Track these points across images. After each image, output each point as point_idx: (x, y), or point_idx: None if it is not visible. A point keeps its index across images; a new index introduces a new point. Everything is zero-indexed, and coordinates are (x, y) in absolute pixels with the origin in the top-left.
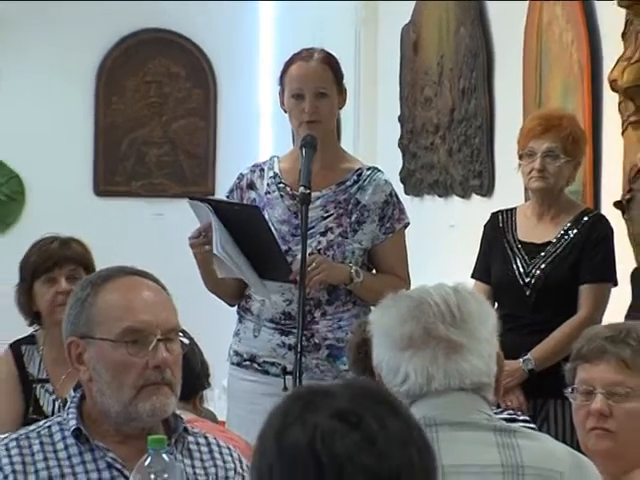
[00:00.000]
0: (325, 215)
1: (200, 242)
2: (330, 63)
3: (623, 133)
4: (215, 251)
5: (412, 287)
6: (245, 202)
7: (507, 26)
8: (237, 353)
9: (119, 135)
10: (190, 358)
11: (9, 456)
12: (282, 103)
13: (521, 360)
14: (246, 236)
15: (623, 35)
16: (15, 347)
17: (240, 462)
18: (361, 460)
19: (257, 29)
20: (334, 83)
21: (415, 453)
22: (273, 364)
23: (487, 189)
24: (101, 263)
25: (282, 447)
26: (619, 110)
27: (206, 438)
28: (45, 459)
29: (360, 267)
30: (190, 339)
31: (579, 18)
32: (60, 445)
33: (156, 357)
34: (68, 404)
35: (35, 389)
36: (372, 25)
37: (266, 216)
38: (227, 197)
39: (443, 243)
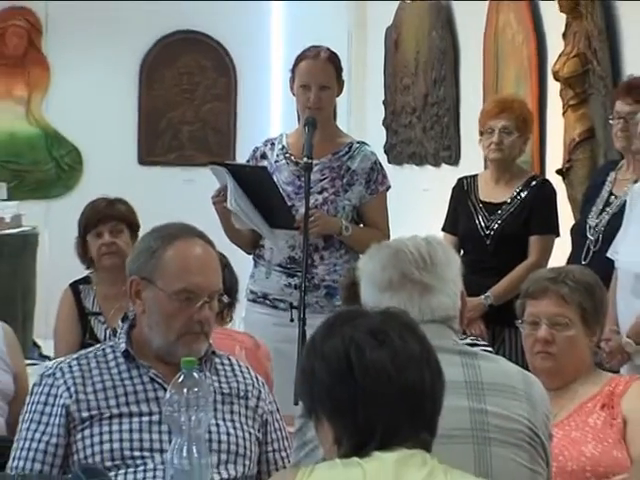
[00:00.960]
0: (322, 178)
1: (219, 199)
2: (333, 61)
3: (564, 114)
4: (229, 206)
5: (391, 239)
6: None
7: (470, 29)
8: (252, 292)
9: (158, 116)
10: (225, 274)
11: (71, 371)
12: (292, 88)
13: (482, 297)
14: (257, 192)
15: (564, 35)
16: (74, 286)
17: (256, 379)
18: (384, 368)
19: (269, 29)
20: (335, 77)
21: (428, 376)
22: (281, 301)
23: (454, 159)
24: (144, 220)
25: (324, 352)
26: (560, 95)
27: (229, 359)
28: (100, 374)
29: (350, 222)
30: (225, 259)
31: (528, 22)
32: (112, 363)
33: (201, 314)
34: (119, 332)
35: (90, 320)
36: (362, 27)
37: (275, 179)
38: (249, 162)
39: (418, 203)
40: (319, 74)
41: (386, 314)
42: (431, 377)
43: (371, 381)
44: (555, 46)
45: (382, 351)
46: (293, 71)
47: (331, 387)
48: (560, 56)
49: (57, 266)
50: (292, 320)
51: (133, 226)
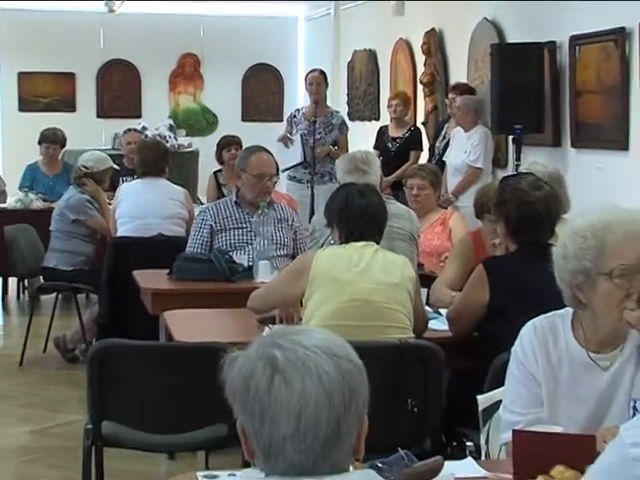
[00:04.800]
0: (318, 128)
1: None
2: (323, 74)
3: (424, 98)
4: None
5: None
6: (291, 122)
7: (384, 63)
8: (289, 176)
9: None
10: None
11: (213, 209)
12: (305, 87)
13: (391, 177)
14: None
15: (424, 64)
16: (215, 174)
17: (291, 212)
18: (363, 206)
19: (297, 54)
20: (324, 81)
21: (383, 208)
22: (302, 180)
23: (376, 117)
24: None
25: (338, 195)
26: (423, 91)
27: (279, 204)
28: (225, 210)
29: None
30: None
31: (408, 58)
32: (229, 205)
33: (266, 184)
34: (233, 193)
35: (222, 186)
36: (337, 59)
37: (294, 129)
38: (287, 120)
39: (363, 139)
40: (316, 80)
41: (360, 185)
42: (382, 205)
43: (357, 209)
44: (420, 68)
45: (362, 199)
46: (306, 79)
47: (338, 212)
48: (423, 73)
49: (206, 166)
50: (308, 188)
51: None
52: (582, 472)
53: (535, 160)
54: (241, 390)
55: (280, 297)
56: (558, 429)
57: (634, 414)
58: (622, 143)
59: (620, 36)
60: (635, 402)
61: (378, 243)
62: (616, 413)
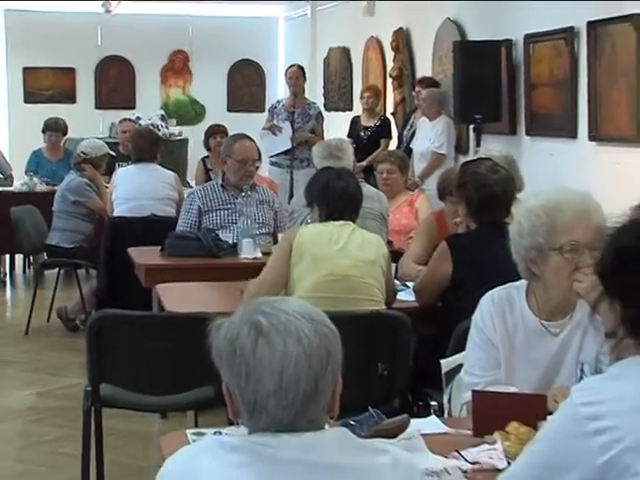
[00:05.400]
0: (297, 118)
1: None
2: (301, 69)
3: (393, 91)
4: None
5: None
6: (273, 112)
7: (357, 59)
8: (271, 162)
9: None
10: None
11: (201, 192)
12: (285, 81)
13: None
14: None
15: (393, 60)
16: (203, 160)
17: (272, 194)
18: (342, 188)
19: (277, 52)
20: (302, 75)
21: (359, 190)
22: (282, 164)
23: (350, 108)
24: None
25: (318, 178)
26: (392, 85)
27: (261, 186)
28: (212, 193)
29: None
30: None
31: (379, 55)
32: (216, 188)
33: (249, 168)
34: (219, 176)
35: (209, 171)
36: (313, 57)
37: (275, 119)
38: (269, 110)
39: (338, 128)
40: (295, 75)
41: (338, 169)
42: (359, 187)
43: (337, 190)
44: (390, 64)
45: (341, 181)
46: (285, 73)
47: (319, 193)
48: (392, 68)
49: (195, 153)
50: (288, 172)
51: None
52: (535, 428)
53: (490, 147)
54: (227, 352)
55: (274, 277)
56: (513, 389)
57: (581, 376)
58: (571, 131)
59: (569, 35)
60: (582, 365)
61: (354, 222)
62: (565, 375)
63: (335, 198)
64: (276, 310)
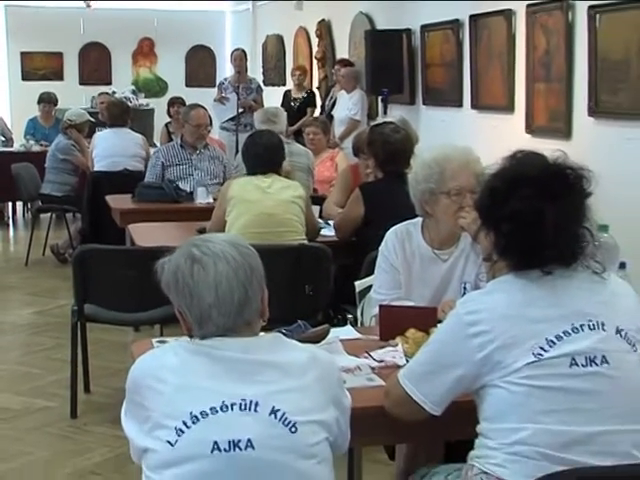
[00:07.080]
0: (241, 91)
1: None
2: (245, 53)
3: (318, 70)
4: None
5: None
6: (221, 87)
7: (288, 45)
8: (222, 127)
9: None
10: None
11: (164, 150)
12: (231, 62)
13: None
14: None
15: (317, 45)
16: (167, 125)
17: (224, 155)
18: (264, 142)
19: (225, 39)
20: (245, 57)
21: (276, 144)
22: (230, 129)
23: (284, 83)
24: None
25: (246, 142)
26: (317, 65)
27: (212, 146)
28: (173, 150)
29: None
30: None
31: (305, 37)
32: (177, 147)
33: (203, 131)
34: (178, 138)
35: (171, 134)
36: (254, 34)
37: (224, 92)
38: (218, 86)
39: (274, 99)
40: (239, 57)
41: (264, 131)
42: (281, 144)
43: (261, 147)
44: (315, 48)
45: (260, 145)
46: (231, 56)
47: (245, 152)
48: (317, 52)
49: (160, 120)
50: (234, 135)
51: (184, 103)
52: (428, 333)
53: (394, 114)
54: (172, 281)
55: (218, 220)
56: (411, 304)
57: (464, 292)
58: (458, 102)
59: (456, 25)
60: (465, 284)
61: (278, 173)
62: (452, 292)
63: (258, 156)
64: (206, 242)
